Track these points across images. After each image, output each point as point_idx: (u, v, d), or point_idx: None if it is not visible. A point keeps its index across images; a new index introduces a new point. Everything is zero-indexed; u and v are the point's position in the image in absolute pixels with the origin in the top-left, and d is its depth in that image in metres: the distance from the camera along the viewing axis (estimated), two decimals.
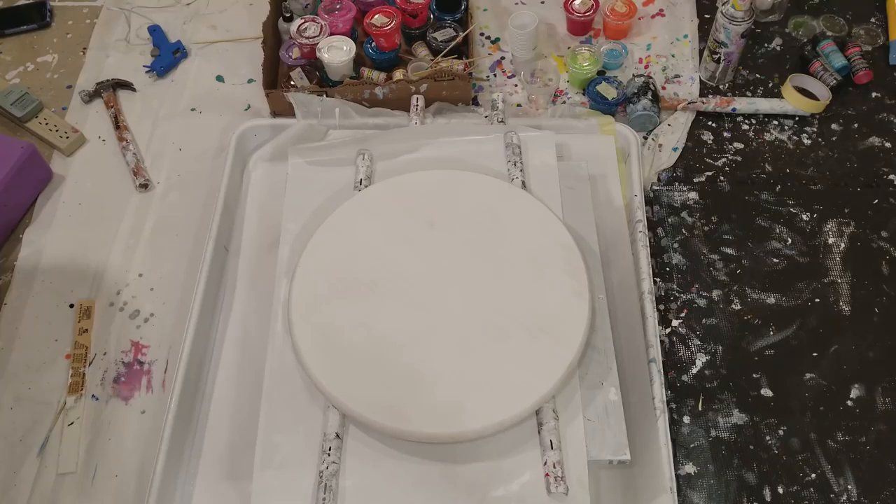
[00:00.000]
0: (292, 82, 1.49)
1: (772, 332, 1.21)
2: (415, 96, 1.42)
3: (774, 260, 1.29)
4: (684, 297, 1.26)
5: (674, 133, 1.44)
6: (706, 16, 1.63)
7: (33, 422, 1.17)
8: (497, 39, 1.63)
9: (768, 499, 1.07)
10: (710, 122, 1.46)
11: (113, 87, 1.55)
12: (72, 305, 1.28)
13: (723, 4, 1.40)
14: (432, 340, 1.08)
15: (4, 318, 1.27)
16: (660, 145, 1.43)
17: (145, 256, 1.34)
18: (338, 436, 1.03)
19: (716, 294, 1.25)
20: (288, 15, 1.52)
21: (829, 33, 1.57)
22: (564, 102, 1.50)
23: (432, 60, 1.49)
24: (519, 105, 1.50)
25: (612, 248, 1.27)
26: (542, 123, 1.40)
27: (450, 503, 1.00)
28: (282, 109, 1.45)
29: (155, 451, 1.08)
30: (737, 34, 1.40)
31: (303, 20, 1.47)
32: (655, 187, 1.38)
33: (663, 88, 1.51)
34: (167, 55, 1.59)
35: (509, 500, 0.99)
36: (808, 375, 1.17)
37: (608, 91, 1.45)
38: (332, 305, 1.12)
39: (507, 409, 1.02)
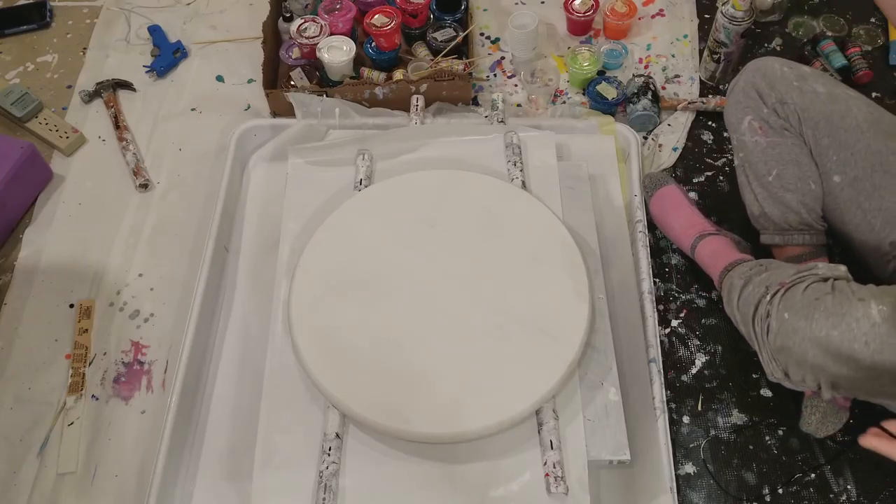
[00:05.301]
0: (292, 82, 1.49)
1: None
2: (415, 96, 1.42)
3: None
4: (684, 297, 1.26)
5: (674, 133, 1.44)
6: (706, 16, 1.63)
7: (33, 422, 1.17)
8: (497, 39, 1.63)
9: (768, 499, 1.07)
10: (710, 122, 1.46)
11: (113, 87, 1.55)
12: (72, 305, 1.28)
13: (723, 4, 1.40)
14: (432, 340, 1.08)
15: (4, 318, 1.27)
16: (660, 145, 1.43)
17: (145, 256, 1.34)
18: (338, 436, 1.03)
19: (715, 294, 1.25)
20: (288, 15, 1.52)
21: (829, 33, 1.57)
22: (564, 102, 1.50)
23: (432, 60, 1.49)
24: (519, 105, 1.50)
25: (612, 248, 1.27)
26: (542, 123, 1.40)
27: (450, 503, 1.00)
28: (282, 109, 1.45)
29: (155, 451, 1.08)
30: (737, 34, 1.40)
31: (303, 20, 1.47)
32: None
33: (663, 88, 1.51)
34: (167, 55, 1.59)
35: (509, 500, 1.00)
36: None
37: (608, 91, 1.45)
38: (332, 305, 1.12)
39: (507, 409, 1.02)
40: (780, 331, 0.93)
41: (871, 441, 0.85)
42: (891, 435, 0.86)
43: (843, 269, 0.96)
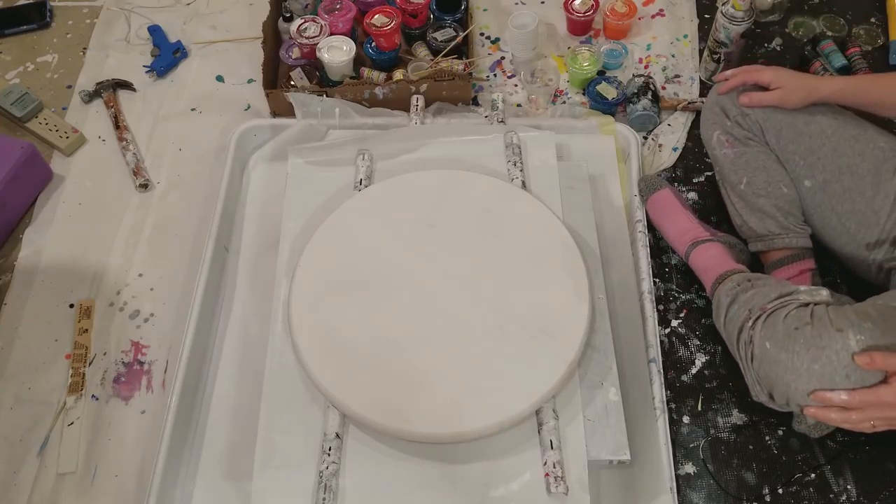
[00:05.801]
0: (292, 82, 1.49)
1: None
2: (415, 96, 1.42)
3: None
4: (684, 297, 1.26)
5: (674, 133, 1.44)
6: (706, 16, 1.63)
7: (33, 422, 1.17)
8: (497, 39, 1.63)
9: (768, 499, 1.07)
10: None
11: (113, 87, 1.55)
12: (72, 305, 1.28)
13: (723, 4, 1.40)
14: (432, 340, 1.08)
15: (4, 318, 1.27)
16: (660, 145, 1.43)
17: (145, 256, 1.34)
18: (338, 436, 1.03)
19: None
20: (288, 15, 1.52)
21: (829, 33, 1.57)
22: (564, 102, 1.50)
23: (432, 60, 1.49)
24: (519, 105, 1.50)
25: (612, 248, 1.27)
26: (542, 123, 1.40)
27: (450, 503, 1.00)
28: (282, 109, 1.45)
29: (155, 451, 1.08)
30: (737, 34, 1.40)
31: (303, 20, 1.47)
32: None
33: (663, 88, 1.51)
34: (167, 55, 1.59)
35: (509, 500, 1.00)
36: None
37: (608, 91, 1.45)
38: (332, 305, 1.12)
39: (507, 408, 1.02)
40: (763, 360, 0.95)
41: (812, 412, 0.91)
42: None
43: (824, 292, 0.97)
